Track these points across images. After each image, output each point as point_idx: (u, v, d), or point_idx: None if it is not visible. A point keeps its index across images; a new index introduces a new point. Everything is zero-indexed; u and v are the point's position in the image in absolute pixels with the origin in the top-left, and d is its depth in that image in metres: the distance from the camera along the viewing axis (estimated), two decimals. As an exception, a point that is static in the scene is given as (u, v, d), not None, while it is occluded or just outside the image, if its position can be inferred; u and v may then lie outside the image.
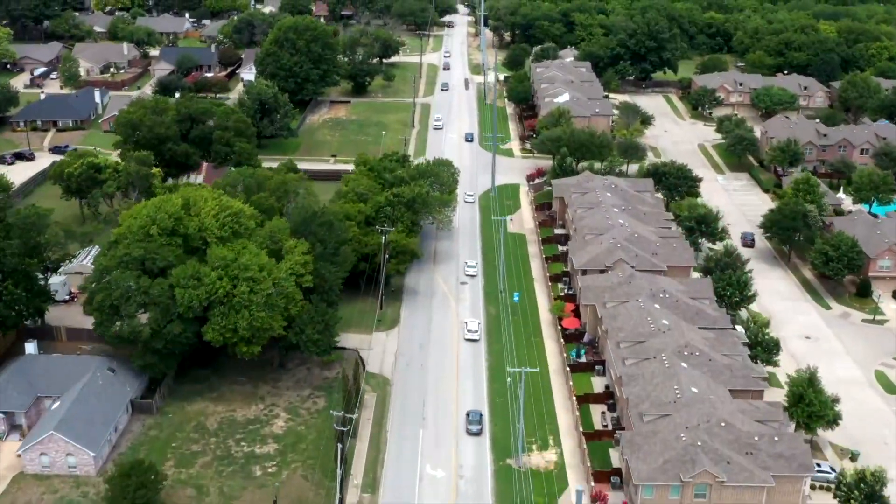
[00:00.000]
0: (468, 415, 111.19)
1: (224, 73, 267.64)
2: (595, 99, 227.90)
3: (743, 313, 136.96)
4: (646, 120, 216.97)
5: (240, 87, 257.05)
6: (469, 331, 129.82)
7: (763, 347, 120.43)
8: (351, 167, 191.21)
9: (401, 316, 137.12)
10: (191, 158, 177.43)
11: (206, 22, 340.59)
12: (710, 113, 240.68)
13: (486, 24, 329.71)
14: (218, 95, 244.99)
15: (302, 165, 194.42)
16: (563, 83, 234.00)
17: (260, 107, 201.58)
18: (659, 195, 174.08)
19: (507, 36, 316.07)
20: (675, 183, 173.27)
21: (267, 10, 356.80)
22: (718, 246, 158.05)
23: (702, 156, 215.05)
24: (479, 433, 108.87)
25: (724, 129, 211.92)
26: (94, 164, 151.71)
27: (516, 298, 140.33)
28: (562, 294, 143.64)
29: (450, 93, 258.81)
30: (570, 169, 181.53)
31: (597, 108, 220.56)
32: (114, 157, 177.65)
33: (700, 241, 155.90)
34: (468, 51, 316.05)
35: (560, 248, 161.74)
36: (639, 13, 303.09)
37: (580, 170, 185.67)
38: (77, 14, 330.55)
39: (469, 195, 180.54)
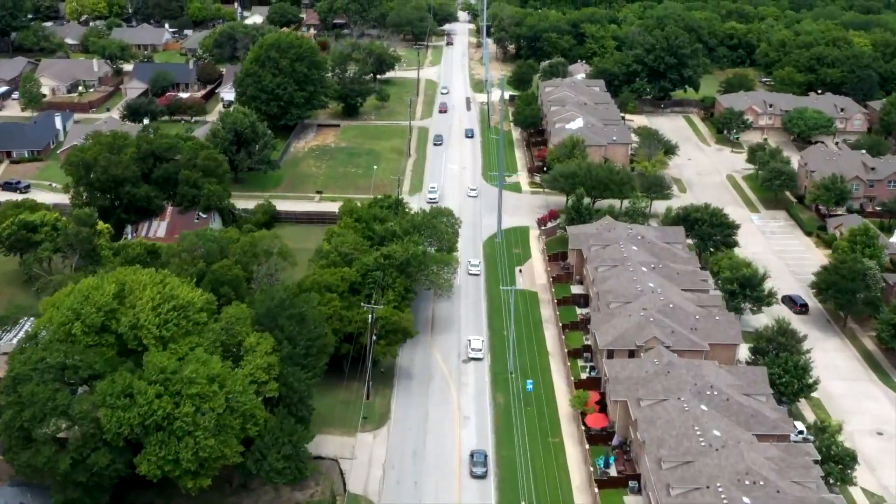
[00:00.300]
0: None
1: (203, 92, 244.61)
2: (611, 123, 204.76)
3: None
4: (669, 149, 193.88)
5: (219, 107, 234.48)
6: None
7: (837, 461, 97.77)
8: (337, 208, 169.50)
9: (391, 409, 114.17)
10: (153, 202, 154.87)
11: (189, 32, 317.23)
12: (738, 138, 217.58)
13: (488, 35, 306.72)
14: (194, 119, 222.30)
15: (283, 205, 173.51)
16: (575, 105, 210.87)
17: (236, 138, 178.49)
18: (689, 240, 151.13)
19: (511, 48, 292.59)
20: (709, 231, 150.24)
21: (253, 20, 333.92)
22: (765, 315, 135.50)
23: (732, 190, 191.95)
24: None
25: (758, 161, 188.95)
26: (27, 222, 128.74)
27: (529, 387, 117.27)
28: (584, 375, 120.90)
29: (449, 115, 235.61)
30: (587, 212, 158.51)
31: (614, 135, 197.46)
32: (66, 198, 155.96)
33: (743, 305, 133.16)
34: (469, 64, 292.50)
35: (579, 311, 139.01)
36: (653, 21, 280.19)
37: (598, 211, 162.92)
38: (48, 24, 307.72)
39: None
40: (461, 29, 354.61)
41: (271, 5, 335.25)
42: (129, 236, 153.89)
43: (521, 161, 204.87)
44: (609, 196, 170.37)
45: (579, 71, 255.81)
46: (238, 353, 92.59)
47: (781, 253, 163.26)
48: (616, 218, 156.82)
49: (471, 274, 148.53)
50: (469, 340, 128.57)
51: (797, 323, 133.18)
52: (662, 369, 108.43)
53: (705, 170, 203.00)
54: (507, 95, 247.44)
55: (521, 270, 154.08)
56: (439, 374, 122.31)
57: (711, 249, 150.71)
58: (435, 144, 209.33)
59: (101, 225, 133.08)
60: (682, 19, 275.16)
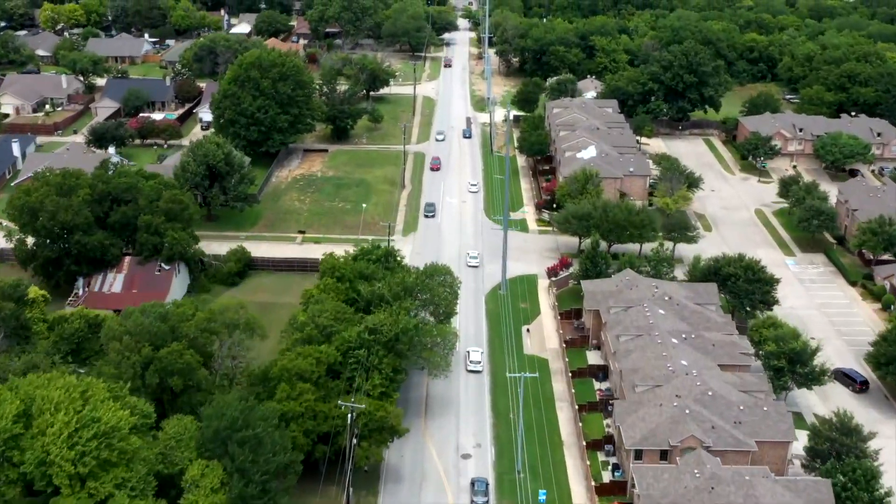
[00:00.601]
0: None
1: (180, 111, 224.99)
2: (627, 151, 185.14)
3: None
4: (693, 182, 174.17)
5: (197, 128, 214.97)
6: None
7: None
8: (321, 254, 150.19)
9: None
10: (108, 252, 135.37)
11: (171, 43, 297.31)
12: (765, 166, 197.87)
13: (490, 45, 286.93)
14: (168, 143, 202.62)
15: (261, 248, 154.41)
16: (587, 130, 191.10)
17: (208, 171, 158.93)
18: (722, 294, 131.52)
19: (515, 61, 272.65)
20: (745, 288, 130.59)
21: (240, 28, 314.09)
22: (815, 394, 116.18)
23: (762, 228, 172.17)
24: None
25: (792, 196, 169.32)
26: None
27: (542, 498, 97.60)
28: (606, 475, 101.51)
29: (448, 138, 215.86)
30: (603, 262, 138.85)
31: (630, 165, 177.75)
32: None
33: (790, 383, 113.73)
34: (470, 78, 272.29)
35: (597, 385, 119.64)
36: (668, 33, 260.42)
37: (616, 257, 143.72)
38: (21, 34, 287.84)
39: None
40: (461, 38, 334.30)
41: (260, 13, 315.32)
42: (81, 291, 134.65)
43: (528, 193, 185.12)
44: (627, 240, 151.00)
45: (589, 88, 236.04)
46: (178, 483, 73.10)
47: (824, 307, 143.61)
48: (637, 269, 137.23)
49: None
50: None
51: (855, 405, 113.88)
52: (704, 484, 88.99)
53: (731, 203, 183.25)
54: (511, 115, 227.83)
55: (528, 330, 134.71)
56: (434, 473, 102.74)
57: (747, 308, 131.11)
58: (426, 215, 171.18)
59: (34, 292, 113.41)
60: (698, 31, 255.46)
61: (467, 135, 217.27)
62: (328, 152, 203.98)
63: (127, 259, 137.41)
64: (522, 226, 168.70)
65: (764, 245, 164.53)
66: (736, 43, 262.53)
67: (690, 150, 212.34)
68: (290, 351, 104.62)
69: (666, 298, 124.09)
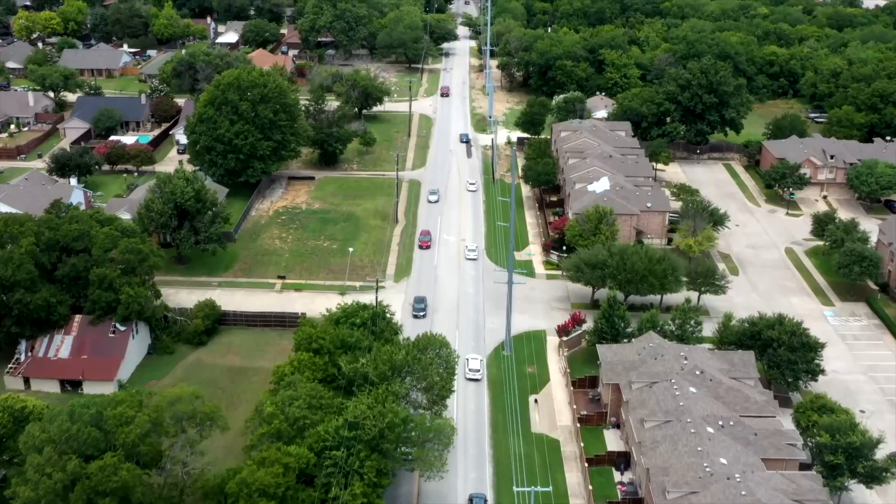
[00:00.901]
0: None
1: (157, 132, 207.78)
2: (643, 183, 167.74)
3: None
4: (718, 219, 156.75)
5: (174, 152, 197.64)
6: None
7: None
8: (301, 307, 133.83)
9: None
10: (55, 311, 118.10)
11: (152, 53, 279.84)
12: (794, 197, 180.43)
13: (491, 55, 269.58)
14: (140, 170, 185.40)
15: (235, 298, 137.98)
16: (599, 158, 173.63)
17: (176, 211, 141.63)
18: (755, 361, 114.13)
19: (518, 75, 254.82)
20: (787, 357, 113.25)
21: (227, 38, 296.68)
22: (877, 492, 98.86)
23: (794, 271, 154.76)
24: None
25: (829, 237, 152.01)
26: None
27: None
28: None
29: (446, 164, 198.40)
30: (621, 321, 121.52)
31: (648, 199, 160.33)
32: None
33: (849, 483, 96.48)
34: (471, 94, 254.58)
35: (618, 477, 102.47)
36: (683, 46, 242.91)
37: (633, 310, 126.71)
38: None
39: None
40: (461, 48, 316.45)
41: (248, 21, 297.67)
42: (23, 356, 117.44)
43: (534, 229, 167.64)
44: (647, 291, 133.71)
45: (599, 106, 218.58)
46: None
47: (871, 370, 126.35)
48: (660, 327, 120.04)
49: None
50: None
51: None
52: None
53: (759, 241, 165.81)
54: (514, 137, 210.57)
55: (536, 401, 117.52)
56: None
57: (788, 379, 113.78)
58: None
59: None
60: (715, 44, 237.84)
61: (469, 154, 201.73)
62: (315, 180, 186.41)
63: (77, 318, 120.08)
64: (528, 269, 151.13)
65: (798, 292, 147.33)
66: (755, 56, 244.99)
67: (710, 178, 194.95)
68: (254, 450, 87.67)
69: (697, 373, 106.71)
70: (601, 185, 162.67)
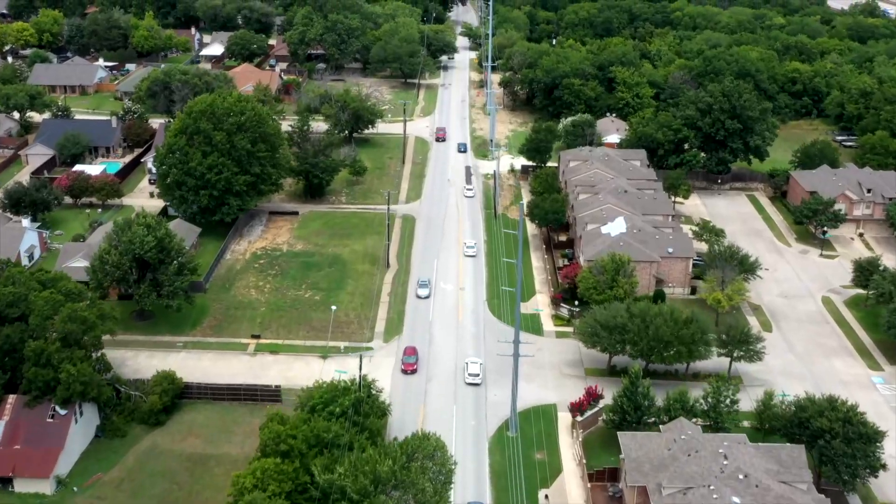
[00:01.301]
0: None
1: (128, 158, 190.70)
2: (663, 223, 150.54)
3: None
4: (749, 267, 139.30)
5: (144, 183, 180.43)
6: None
7: None
8: (277, 377, 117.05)
9: None
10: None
11: (131, 67, 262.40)
12: (829, 236, 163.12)
13: (492, 69, 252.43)
14: (106, 203, 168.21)
15: (202, 362, 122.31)
16: (613, 194, 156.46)
17: (135, 263, 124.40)
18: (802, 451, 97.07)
19: (521, 92, 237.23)
20: (843, 450, 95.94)
21: (212, 50, 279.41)
22: None
23: (835, 327, 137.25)
24: None
25: (874, 289, 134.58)
26: None
27: None
28: None
29: (444, 198, 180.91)
30: (645, 401, 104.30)
31: (669, 243, 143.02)
32: None
33: None
34: (471, 113, 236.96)
35: None
36: (700, 62, 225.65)
37: (654, 376, 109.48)
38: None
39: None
40: (461, 60, 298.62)
41: (234, 32, 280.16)
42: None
43: (541, 274, 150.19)
44: (673, 359, 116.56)
45: (610, 130, 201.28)
46: None
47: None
48: (689, 408, 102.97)
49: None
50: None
51: None
52: None
53: (792, 288, 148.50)
54: (517, 165, 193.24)
55: (547, 496, 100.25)
56: None
57: (846, 478, 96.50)
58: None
59: None
60: (734, 61, 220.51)
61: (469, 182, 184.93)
62: (298, 216, 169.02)
63: (10, 399, 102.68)
64: (535, 325, 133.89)
65: (840, 353, 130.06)
66: (776, 74, 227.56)
67: (733, 212, 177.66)
68: None
69: (741, 476, 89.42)
70: (616, 226, 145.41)
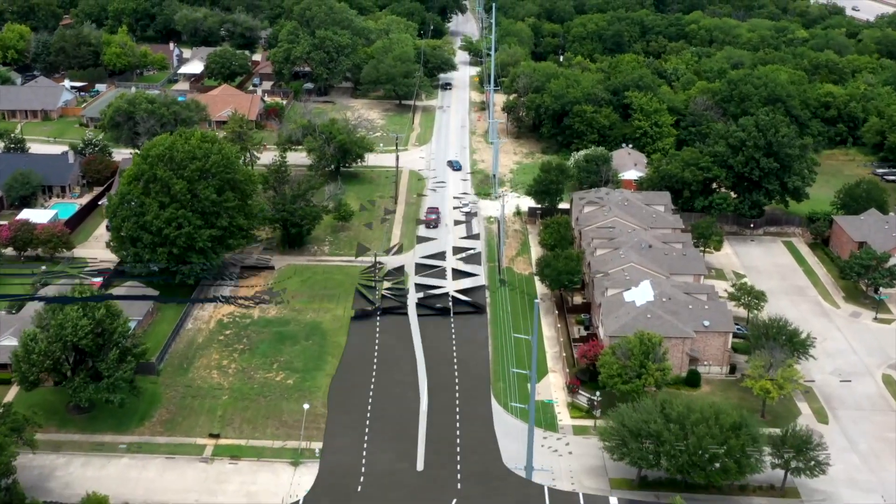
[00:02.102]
0: None
1: (88, 197, 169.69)
2: (696, 289, 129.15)
3: None
4: (800, 345, 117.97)
5: (101, 230, 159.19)
6: None
7: None
8: (236, 494, 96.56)
9: None
10: None
11: (101, 88, 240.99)
12: (884, 297, 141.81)
13: (495, 89, 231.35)
14: (53, 257, 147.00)
15: (147, 471, 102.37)
16: (636, 250, 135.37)
17: (73, 353, 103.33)
18: None
19: (526, 118, 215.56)
20: None
21: (191, 67, 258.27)
22: None
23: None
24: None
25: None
26: None
27: None
28: None
29: (442, 241, 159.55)
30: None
31: (705, 315, 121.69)
32: None
33: None
34: (472, 141, 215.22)
35: None
36: (724, 86, 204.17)
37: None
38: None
39: None
40: (461, 78, 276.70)
41: (215, 49, 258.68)
42: None
43: (553, 346, 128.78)
44: (720, 478, 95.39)
45: (627, 164, 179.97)
46: None
47: None
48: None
49: None
50: None
51: None
52: None
53: (847, 364, 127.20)
54: (523, 205, 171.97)
55: None
56: None
57: None
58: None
59: None
60: (762, 84, 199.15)
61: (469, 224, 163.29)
62: (274, 270, 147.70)
63: None
64: (548, 417, 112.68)
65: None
66: (808, 98, 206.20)
67: (770, 262, 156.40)
68: None
69: None
70: (642, 293, 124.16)
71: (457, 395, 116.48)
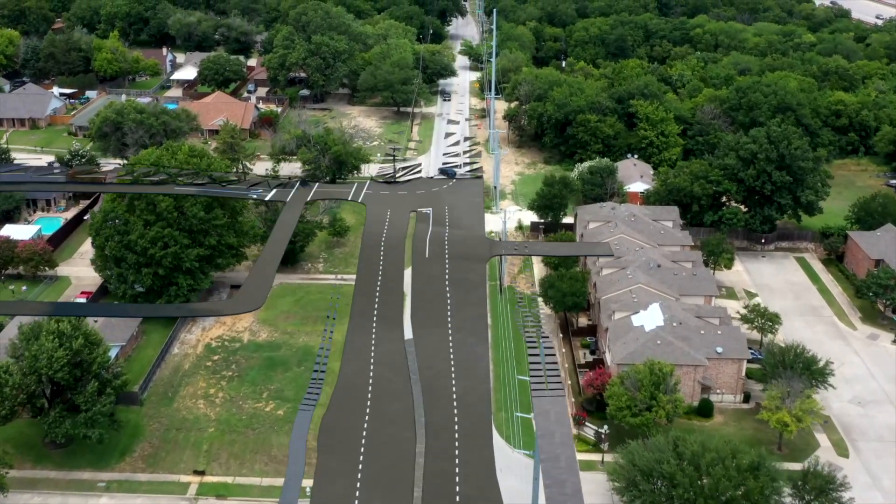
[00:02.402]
0: None
1: (73, 211, 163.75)
2: (708, 311, 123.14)
3: None
4: (819, 374, 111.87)
5: (86, 246, 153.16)
6: None
7: None
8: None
9: None
10: None
11: (92, 95, 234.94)
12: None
13: (496, 94, 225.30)
14: (36, 277, 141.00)
15: None
16: (644, 270, 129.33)
17: (50, 385, 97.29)
18: None
19: (528, 126, 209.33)
20: None
21: (184, 73, 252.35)
22: None
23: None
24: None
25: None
26: None
27: None
28: None
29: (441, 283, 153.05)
30: None
31: (716, 341, 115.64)
32: None
33: None
34: (472, 152, 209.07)
35: None
36: (732, 94, 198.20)
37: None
38: None
39: None
40: (461, 84, 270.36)
41: (209, 54, 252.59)
42: None
43: (559, 368, 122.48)
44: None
45: (633, 176, 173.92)
46: None
47: None
48: None
49: None
50: None
51: None
52: None
53: (866, 391, 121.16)
54: (526, 219, 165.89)
55: None
56: None
57: None
58: None
59: None
60: (771, 92, 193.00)
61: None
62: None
63: None
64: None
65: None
66: (819, 106, 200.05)
67: (782, 280, 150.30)
68: None
69: None
70: (651, 317, 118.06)
71: (456, 435, 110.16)
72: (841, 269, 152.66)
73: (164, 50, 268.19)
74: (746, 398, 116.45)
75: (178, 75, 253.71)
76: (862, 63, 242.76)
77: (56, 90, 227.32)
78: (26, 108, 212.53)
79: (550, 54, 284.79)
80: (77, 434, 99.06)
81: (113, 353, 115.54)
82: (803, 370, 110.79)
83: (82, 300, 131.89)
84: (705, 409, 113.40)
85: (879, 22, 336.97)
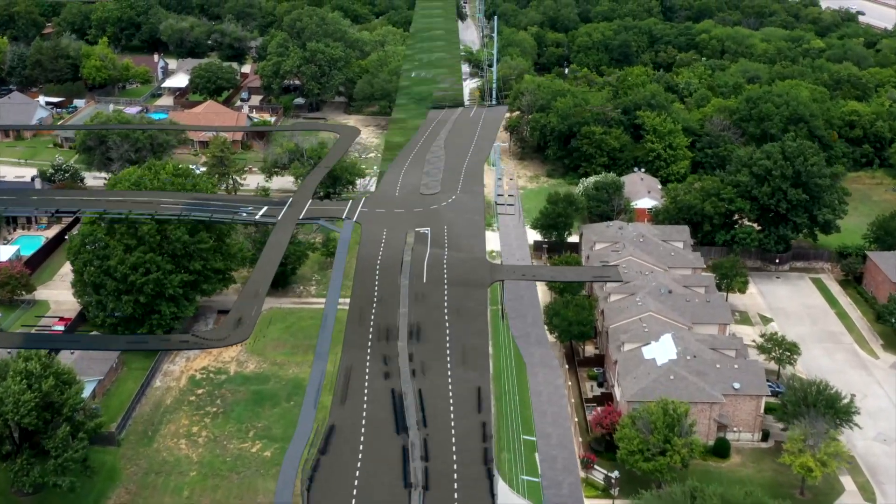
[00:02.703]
0: None
1: (56, 230, 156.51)
2: (724, 343, 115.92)
3: None
4: (843, 412, 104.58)
5: (66, 268, 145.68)
6: None
7: None
8: None
9: None
10: None
11: (80, 104, 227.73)
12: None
13: (498, 101, 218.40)
14: (12, 301, 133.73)
15: None
16: (654, 297, 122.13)
17: (16, 428, 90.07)
18: None
19: (529, 135, 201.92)
20: None
21: (176, 80, 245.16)
22: None
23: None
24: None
25: None
26: None
27: None
28: None
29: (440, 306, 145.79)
30: None
31: (733, 376, 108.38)
32: None
33: None
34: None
35: None
36: (742, 104, 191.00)
37: None
38: None
39: None
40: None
41: (202, 61, 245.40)
42: None
43: (564, 408, 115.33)
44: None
45: (640, 191, 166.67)
46: None
47: None
48: None
49: None
50: None
51: None
52: None
53: (890, 427, 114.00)
54: (529, 238, 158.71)
55: None
56: None
57: None
58: None
59: None
60: (783, 102, 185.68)
61: None
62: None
63: None
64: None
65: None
66: (832, 117, 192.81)
67: (798, 304, 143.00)
68: None
69: None
70: (663, 349, 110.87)
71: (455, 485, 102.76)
72: (860, 292, 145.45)
73: (156, 56, 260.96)
74: (765, 436, 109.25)
75: (169, 83, 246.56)
76: (874, 70, 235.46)
77: (42, 99, 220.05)
78: (11, 118, 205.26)
79: (552, 60, 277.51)
80: (46, 482, 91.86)
81: (90, 389, 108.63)
82: (826, 409, 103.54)
83: (60, 328, 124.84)
84: (722, 449, 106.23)
85: (889, 26, 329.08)
